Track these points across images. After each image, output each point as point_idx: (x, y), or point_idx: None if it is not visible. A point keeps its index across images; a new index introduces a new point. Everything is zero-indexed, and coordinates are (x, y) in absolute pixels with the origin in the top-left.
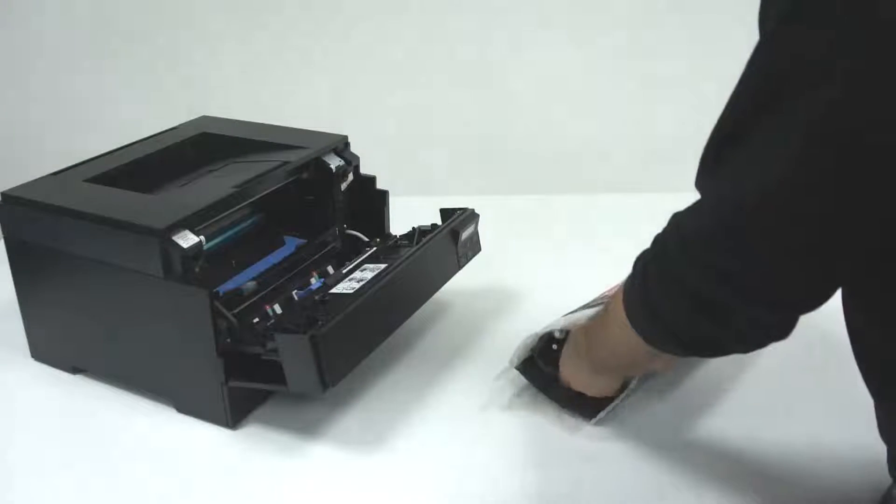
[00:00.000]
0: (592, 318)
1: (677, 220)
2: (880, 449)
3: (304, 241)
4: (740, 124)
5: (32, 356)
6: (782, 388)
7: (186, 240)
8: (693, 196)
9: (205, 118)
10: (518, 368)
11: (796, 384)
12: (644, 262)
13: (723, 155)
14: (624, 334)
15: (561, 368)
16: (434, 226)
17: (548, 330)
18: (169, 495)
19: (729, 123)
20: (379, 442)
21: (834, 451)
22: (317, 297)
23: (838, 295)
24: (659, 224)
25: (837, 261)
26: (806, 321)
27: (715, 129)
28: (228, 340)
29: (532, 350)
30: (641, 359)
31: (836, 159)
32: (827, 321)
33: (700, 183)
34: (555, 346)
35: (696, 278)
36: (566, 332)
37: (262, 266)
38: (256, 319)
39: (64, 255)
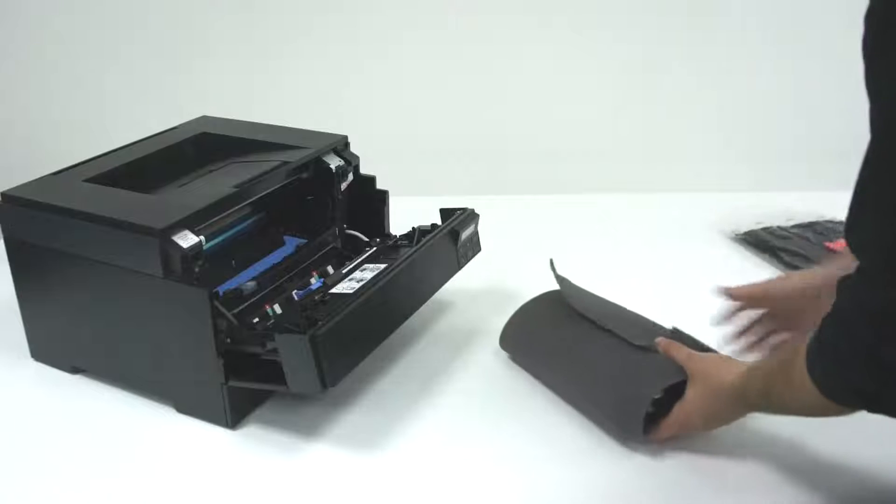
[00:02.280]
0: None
1: (851, 294)
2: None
3: (304, 241)
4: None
5: (32, 356)
6: None
7: (186, 240)
8: (691, 196)
9: (205, 118)
10: None
11: None
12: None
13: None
14: (808, 393)
15: (690, 412)
16: (434, 226)
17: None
18: (169, 495)
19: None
20: (379, 442)
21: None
22: (317, 297)
23: None
24: (658, 224)
25: None
26: None
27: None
28: (228, 340)
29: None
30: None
31: None
32: None
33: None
34: None
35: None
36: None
37: (262, 266)
38: (256, 319)
39: (64, 255)
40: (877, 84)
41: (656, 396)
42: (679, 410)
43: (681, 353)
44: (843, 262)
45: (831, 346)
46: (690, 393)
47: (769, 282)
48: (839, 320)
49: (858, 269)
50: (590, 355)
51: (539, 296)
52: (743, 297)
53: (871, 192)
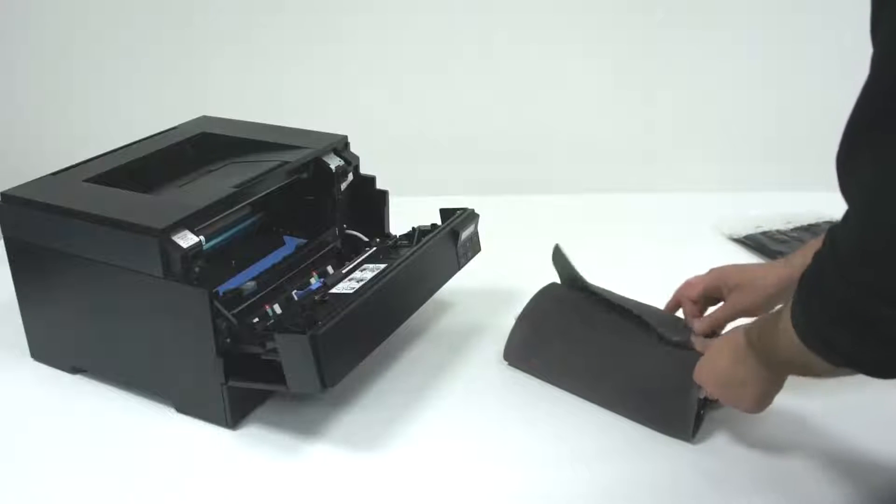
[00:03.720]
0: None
1: (832, 236)
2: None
3: (304, 241)
4: (885, 111)
5: (32, 356)
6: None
7: (186, 240)
8: (691, 196)
9: (205, 118)
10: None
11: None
12: (808, 283)
13: (860, 145)
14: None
15: (709, 377)
16: (434, 226)
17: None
18: (169, 495)
19: (869, 111)
20: (379, 442)
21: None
22: (316, 297)
23: None
24: (657, 223)
25: None
26: None
27: (850, 122)
28: (228, 340)
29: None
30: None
31: None
32: None
33: (843, 188)
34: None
35: (857, 301)
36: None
37: (262, 266)
38: (256, 319)
39: (64, 255)
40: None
41: (701, 397)
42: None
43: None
44: (793, 261)
45: (807, 288)
46: (711, 354)
47: (731, 300)
48: (816, 265)
49: (845, 213)
50: (624, 352)
51: (539, 295)
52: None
53: (864, 128)
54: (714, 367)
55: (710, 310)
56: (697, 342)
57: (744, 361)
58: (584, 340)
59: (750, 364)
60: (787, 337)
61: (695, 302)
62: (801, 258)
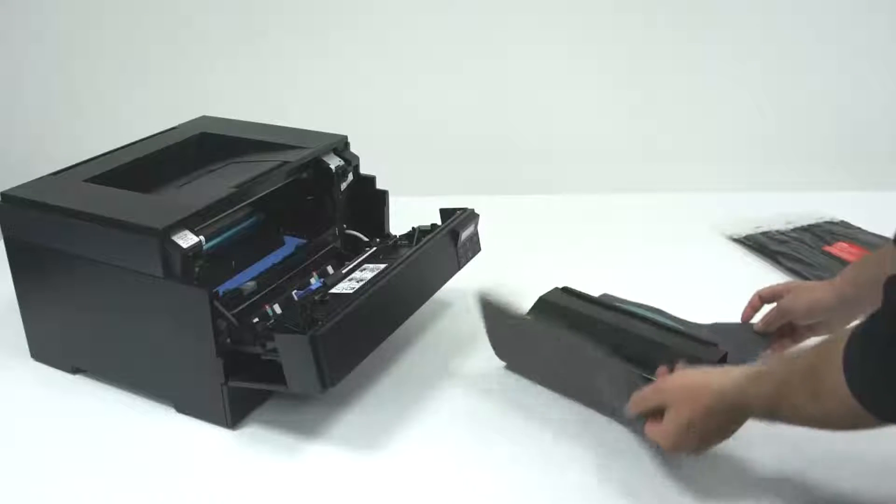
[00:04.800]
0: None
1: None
2: None
3: (304, 241)
4: None
5: (32, 356)
6: None
7: (186, 240)
8: (691, 196)
9: (205, 118)
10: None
11: None
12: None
13: None
14: (840, 406)
15: (676, 435)
16: (434, 226)
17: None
18: (168, 495)
19: None
20: (379, 442)
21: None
22: (317, 297)
23: None
24: (657, 223)
25: None
26: None
27: None
28: (228, 340)
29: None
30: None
31: None
32: None
33: None
34: None
35: None
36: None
37: (262, 266)
38: (256, 319)
39: (64, 255)
40: None
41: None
42: (660, 432)
43: (647, 388)
44: (851, 273)
45: (880, 355)
46: (672, 413)
47: (781, 303)
48: (889, 325)
49: None
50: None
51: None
52: (766, 323)
53: None
54: (695, 420)
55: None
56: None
57: (728, 413)
58: (543, 354)
59: (734, 418)
60: (829, 401)
61: (761, 298)
62: (852, 273)
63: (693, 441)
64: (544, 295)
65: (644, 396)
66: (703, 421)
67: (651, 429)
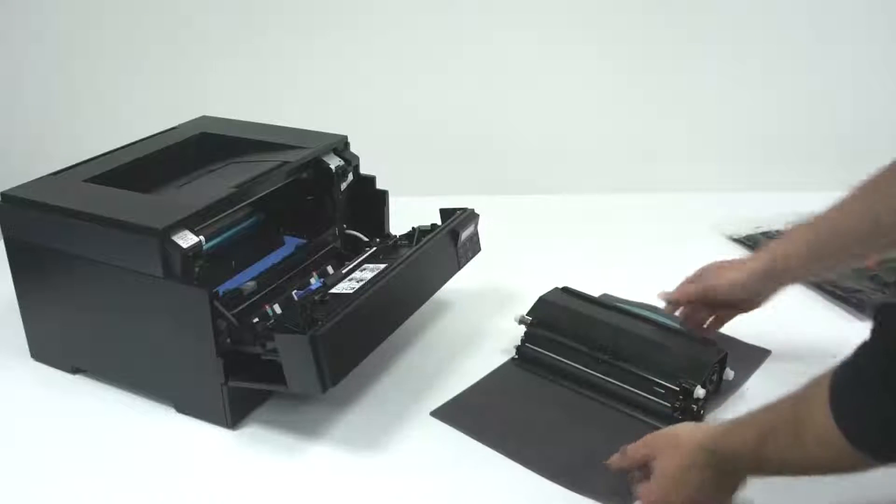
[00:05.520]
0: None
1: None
2: None
3: (304, 241)
4: None
5: (32, 356)
6: None
7: (186, 240)
8: (691, 196)
9: (205, 118)
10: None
11: None
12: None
13: None
14: (826, 448)
15: (661, 490)
16: (434, 226)
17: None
18: (168, 495)
19: None
20: (379, 442)
21: None
22: (316, 297)
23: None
24: (657, 223)
25: None
26: None
27: None
28: (228, 340)
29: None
30: (836, 471)
31: None
32: None
33: None
34: None
35: None
36: None
37: (261, 266)
38: (256, 319)
39: (64, 255)
40: None
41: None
42: (646, 489)
43: (638, 443)
44: (781, 248)
45: (870, 395)
46: (657, 468)
47: (704, 279)
48: (881, 356)
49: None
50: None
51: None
52: (682, 300)
53: None
54: (678, 481)
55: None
56: (614, 463)
57: (708, 471)
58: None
59: (718, 477)
60: (817, 447)
61: (690, 283)
62: (782, 248)
63: (682, 499)
64: (544, 295)
65: (632, 447)
66: (688, 473)
67: (642, 488)
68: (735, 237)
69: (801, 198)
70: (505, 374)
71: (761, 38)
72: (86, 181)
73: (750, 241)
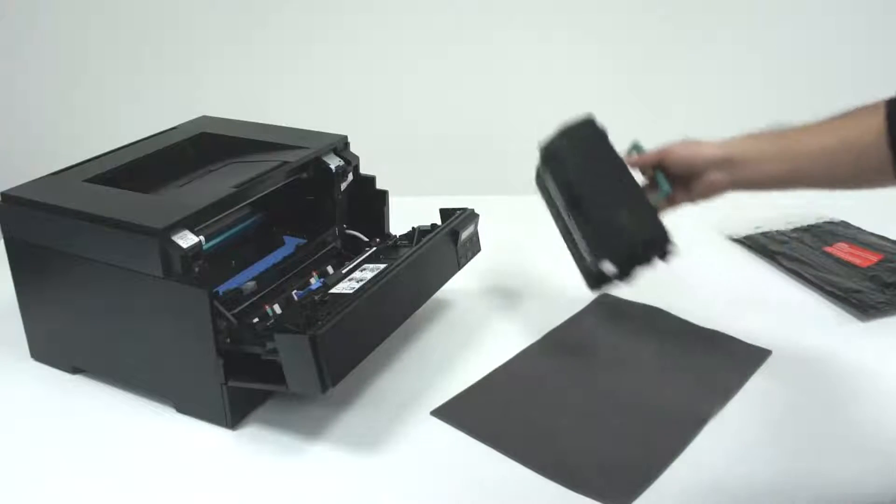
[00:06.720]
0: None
1: None
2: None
3: (304, 241)
4: None
5: (32, 356)
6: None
7: (186, 240)
8: None
9: (204, 118)
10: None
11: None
12: None
13: None
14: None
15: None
16: (434, 226)
17: None
18: (169, 495)
19: None
20: (379, 442)
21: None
22: (316, 297)
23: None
24: None
25: None
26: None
27: None
28: (228, 340)
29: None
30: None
31: None
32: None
33: None
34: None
35: None
36: None
37: (261, 266)
38: (256, 319)
39: (64, 255)
40: None
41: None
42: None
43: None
44: (739, 139)
45: None
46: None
47: (669, 146)
48: None
49: None
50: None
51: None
52: (640, 163)
53: None
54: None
55: None
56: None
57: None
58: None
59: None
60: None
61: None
62: (747, 140)
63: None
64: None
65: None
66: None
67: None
68: (735, 237)
69: (802, 198)
70: (505, 373)
71: (762, 39)
72: (86, 181)
73: (750, 241)
